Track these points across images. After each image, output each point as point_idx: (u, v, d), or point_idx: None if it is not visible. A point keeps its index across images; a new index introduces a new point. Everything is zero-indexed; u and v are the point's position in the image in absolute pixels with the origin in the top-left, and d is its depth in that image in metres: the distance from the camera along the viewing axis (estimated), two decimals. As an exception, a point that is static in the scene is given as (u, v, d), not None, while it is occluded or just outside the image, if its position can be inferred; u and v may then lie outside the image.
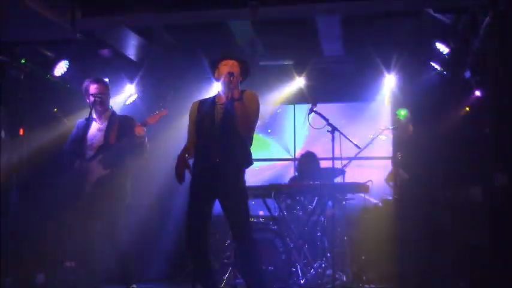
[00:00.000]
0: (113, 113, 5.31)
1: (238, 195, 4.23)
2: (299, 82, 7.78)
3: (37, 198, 6.51)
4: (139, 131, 5.06)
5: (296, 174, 7.12)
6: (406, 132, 6.32)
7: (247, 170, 4.33)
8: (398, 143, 6.56)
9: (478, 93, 6.39)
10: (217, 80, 4.35)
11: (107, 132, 5.16)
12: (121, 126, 5.19)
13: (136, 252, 5.51)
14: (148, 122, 5.14)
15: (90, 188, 5.07)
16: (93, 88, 5.19)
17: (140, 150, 5.17)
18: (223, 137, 4.20)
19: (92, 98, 5.16)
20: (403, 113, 6.32)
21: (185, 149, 4.40)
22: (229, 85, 4.18)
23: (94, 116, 5.24)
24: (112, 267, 5.25)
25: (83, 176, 5.07)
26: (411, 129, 6.32)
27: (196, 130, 4.35)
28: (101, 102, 5.18)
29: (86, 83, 5.24)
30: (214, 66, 4.38)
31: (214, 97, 4.40)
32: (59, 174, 5.34)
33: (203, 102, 4.43)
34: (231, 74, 4.16)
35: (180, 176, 4.27)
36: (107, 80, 5.60)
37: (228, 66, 4.26)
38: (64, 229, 6.40)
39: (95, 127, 5.23)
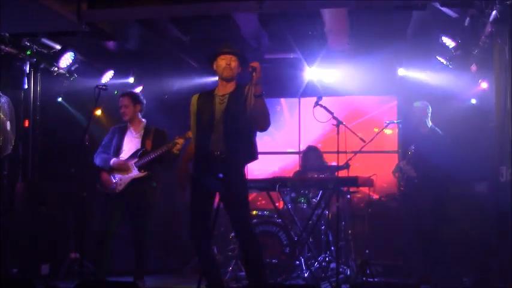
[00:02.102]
0: (147, 124, 5.46)
1: (238, 188, 4.24)
2: (304, 75, 7.78)
3: (43, 190, 6.54)
4: (179, 143, 5.14)
5: (300, 168, 7.13)
6: (420, 126, 6.03)
7: (252, 163, 4.34)
8: (412, 137, 6.35)
9: (484, 85, 6.36)
10: (216, 72, 4.39)
11: (143, 139, 5.35)
12: (156, 137, 5.37)
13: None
14: (177, 142, 5.16)
15: (122, 186, 5.23)
16: (120, 101, 5.40)
17: (172, 163, 5.27)
18: (224, 130, 4.21)
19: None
20: (419, 104, 6.04)
21: (185, 156, 4.49)
22: (228, 78, 4.27)
23: (129, 125, 5.43)
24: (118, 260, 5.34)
25: (116, 172, 5.26)
26: (428, 125, 6.00)
27: (196, 123, 4.38)
28: (124, 114, 5.36)
29: (121, 99, 5.45)
30: (212, 60, 4.39)
31: (213, 90, 4.42)
32: (68, 165, 5.34)
33: (203, 95, 4.45)
34: (253, 68, 4.12)
35: (182, 187, 4.42)
36: (137, 90, 5.95)
37: (225, 59, 4.28)
38: (72, 222, 6.48)
39: (130, 134, 5.40)
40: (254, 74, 4.11)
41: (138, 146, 5.33)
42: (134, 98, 5.43)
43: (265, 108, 4.17)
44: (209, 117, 4.28)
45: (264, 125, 4.24)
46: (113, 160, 5.25)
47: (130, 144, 5.35)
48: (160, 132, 5.45)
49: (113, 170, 5.25)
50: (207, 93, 4.43)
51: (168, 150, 5.16)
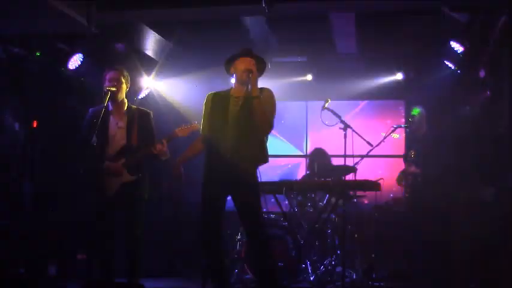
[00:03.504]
0: (129, 107, 4.99)
1: (250, 191, 4.24)
2: (312, 79, 7.78)
3: (50, 190, 6.56)
4: (160, 148, 4.78)
5: (308, 171, 7.13)
6: (419, 130, 6.29)
7: (260, 167, 4.34)
8: (412, 141, 6.55)
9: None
10: (232, 75, 4.39)
11: (129, 132, 4.87)
12: (140, 124, 4.93)
13: (146, 245, 5.52)
14: (177, 134, 4.89)
15: (114, 188, 4.81)
16: (110, 79, 4.90)
17: (161, 159, 4.93)
18: (237, 132, 4.21)
19: (105, 89, 4.81)
20: (417, 110, 6.29)
21: (190, 149, 4.48)
22: (247, 83, 4.20)
23: (111, 107, 4.91)
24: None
25: (105, 176, 4.81)
26: (425, 128, 6.28)
27: (209, 122, 4.38)
28: (112, 91, 4.77)
29: (104, 73, 4.95)
30: (230, 63, 4.39)
31: (229, 90, 4.43)
32: (73, 166, 5.29)
33: (218, 94, 4.44)
34: (249, 71, 4.18)
35: (177, 177, 4.41)
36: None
37: (245, 63, 4.27)
38: (77, 222, 6.48)
39: (114, 122, 4.89)
40: (250, 75, 4.15)
41: (124, 140, 4.85)
42: (126, 75, 4.96)
43: (263, 111, 4.16)
44: (222, 118, 4.28)
45: (264, 128, 4.23)
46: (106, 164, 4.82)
47: (115, 138, 4.85)
48: (144, 115, 4.99)
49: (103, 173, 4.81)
50: (222, 93, 4.43)
51: (149, 153, 4.80)
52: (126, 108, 4.95)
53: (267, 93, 4.32)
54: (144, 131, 4.92)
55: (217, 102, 4.38)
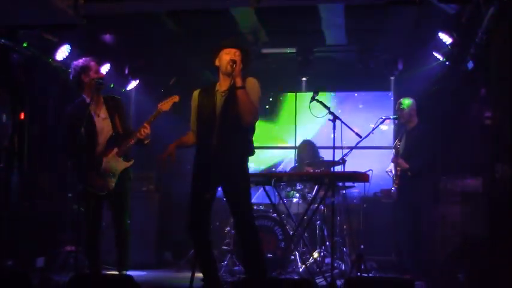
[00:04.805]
0: (104, 96, 5.02)
1: (239, 183, 4.26)
2: (301, 70, 7.77)
3: (38, 181, 6.53)
4: (146, 132, 4.78)
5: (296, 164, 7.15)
6: (410, 123, 6.26)
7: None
8: (399, 132, 6.54)
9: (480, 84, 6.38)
10: (218, 67, 4.36)
11: (112, 121, 4.92)
12: (118, 110, 4.98)
13: (136, 237, 5.51)
14: (161, 109, 4.87)
15: (114, 182, 4.87)
16: (96, 70, 4.91)
17: (145, 143, 4.93)
18: (224, 125, 4.20)
19: (93, 81, 4.82)
20: (407, 101, 6.25)
21: (178, 141, 4.46)
22: (231, 73, 4.18)
23: (88, 99, 4.85)
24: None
25: (100, 170, 4.86)
26: (416, 120, 6.26)
27: (197, 118, 4.38)
28: (100, 87, 4.84)
29: (85, 62, 4.89)
30: (215, 54, 4.36)
31: (214, 85, 4.41)
32: (62, 158, 5.27)
33: (204, 90, 4.43)
34: (233, 61, 4.16)
35: (161, 168, 4.34)
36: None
37: (230, 54, 4.25)
38: (66, 213, 6.46)
39: (95, 115, 4.92)
40: (234, 66, 4.13)
41: (110, 130, 4.90)
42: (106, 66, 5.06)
43: (248, 101, 4.14)
44: (210, 113, 4.27)
45: (248, 119, 4.19)
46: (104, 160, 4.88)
47: (103, 130, 4.89)
48: (118, 102, 5.05)
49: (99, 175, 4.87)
50: (208, 89, 4.41)
51: (138, 137, 4.83)
52: (102, 98, 4.98)
53: (250, 82, 4.29)
54: (123, 117, 4.99)
55: (204, 98, 4.37)
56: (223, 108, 4.24)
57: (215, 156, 4.18)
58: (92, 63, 4.92)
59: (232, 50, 4.28)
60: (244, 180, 4.30)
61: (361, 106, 8.45)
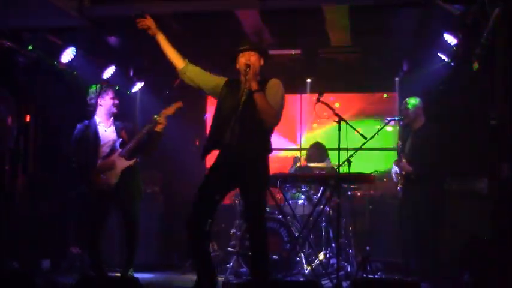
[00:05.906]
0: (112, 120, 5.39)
1: (254, 182, 4.22)
2: (306, 71, 7.76)
3: (44, 184, 6.54)
4: (162, 123, 5.04)
5: (300, 164, 7.12)
6: (414, 122, 6.18)
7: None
8: (405, 134, 6.48)
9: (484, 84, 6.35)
10: (239, 71, 4.39)
11: (118, 131, 5.26)
12: (127, 130, 5.32)
13: (141, 239, 5.52)
14: (165, 114, 5.05)
15: (115, 179, 5.11)
16: (114, 97, 5.30)
17: (155, 144, 5.17)
18: (242, 121, 4.19)
19: (113, 108, 5.28)
20: (412, 101, 6.18)
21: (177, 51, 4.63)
22: (245, 77, 4.21)
23: (97, 120, 5.28)
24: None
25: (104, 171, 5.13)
26: (423, 120, 6.19)
27: (216, 107, 4.39)
28: (116, 108, 5.29)
29: (107, 91, 5.29)
30: (233, 59, 4.41)
31: (240, 79, 4.40)
32: (67, 162, 5.33)
33: (231, 81, 4.45)
34: (247, 65, 4.20)
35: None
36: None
37: (244, 57, 4.30)
38: (72, 215, 6.47)
39: (103, 128, 5.28)
40: (248, 70, 4.16)
41: (115, 137, 5.24)
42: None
43: (265, 103, 4.15)
44: (232, 107, 4.25)
45: (268, 120, 4.21)
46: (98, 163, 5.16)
47: (107, 138, 5.24)
48: (127, 125, 5.41)
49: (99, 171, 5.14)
50: (235, 82, 4.42)
51: (149, 132, 5.05)
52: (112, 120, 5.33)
53: (271, 84, 4.32)
54: (131, 134, 5.25)
55: (229, 90, 4.37)
56: (244, 103, 4.23)
57: (230, 152, 4.18)
58: (111, 92, 5.29)
59: (246, 53, 4.31)
60: (260, 181, 4.26)
61: (365, 107, 8.42)
